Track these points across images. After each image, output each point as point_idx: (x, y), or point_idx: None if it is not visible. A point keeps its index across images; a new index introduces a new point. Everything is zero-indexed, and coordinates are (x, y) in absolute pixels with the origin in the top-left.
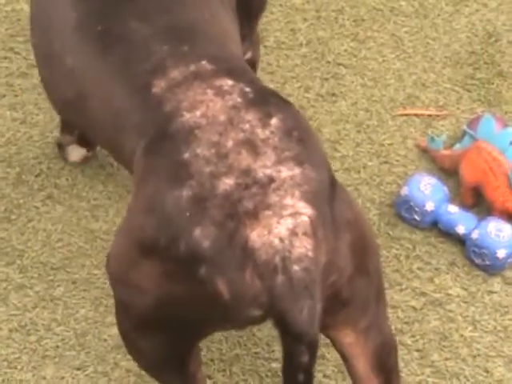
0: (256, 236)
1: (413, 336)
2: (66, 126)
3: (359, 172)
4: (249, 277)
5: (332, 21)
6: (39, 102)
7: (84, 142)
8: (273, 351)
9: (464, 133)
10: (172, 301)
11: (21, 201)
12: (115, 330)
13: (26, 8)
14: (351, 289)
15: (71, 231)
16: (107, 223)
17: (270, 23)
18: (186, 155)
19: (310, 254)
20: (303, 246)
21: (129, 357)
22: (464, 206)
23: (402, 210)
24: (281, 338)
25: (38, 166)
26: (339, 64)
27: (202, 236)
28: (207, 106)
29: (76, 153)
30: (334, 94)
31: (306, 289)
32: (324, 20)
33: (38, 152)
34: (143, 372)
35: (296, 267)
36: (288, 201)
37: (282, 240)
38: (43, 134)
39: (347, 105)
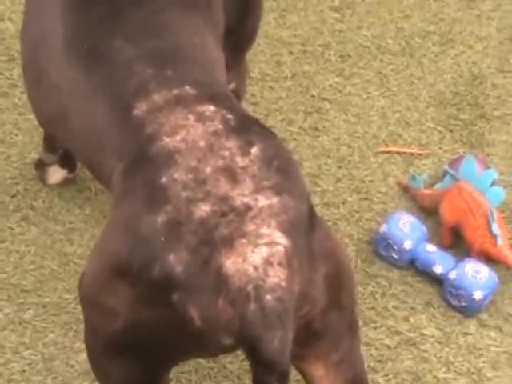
0: (230, 263)
1: (386, 375)
2: (49, 145)
3: (338, 207)
4: (221, 304)
5: (318, 55)
6: (19, 123)
7: (66, 162)
8: None
9: (445, 172)
10: (143, 326)
11: None
12: (83, 356)
13: (11, 27)
14: (324, 321)
15: (44, 254)
16: (82, 247)
17: (256, 54)
18: (164, 179)
19: (284, 283)
20: (277, 276)
21: None
22: (443, 246)
23: (380, 248)
24: (251, 368)
25: (15, 187)
26: (323, 99)
27: (176, 261)
28: (188, 131)
29: (56, 174)
30: (316, 129)
31: (278, 318)
32: (310, 54)
33: (16, 172)
34: None
35: (269, 296)
36: (264, 230)
37: (256, 268)
38: (21, 154)
39: (329, 140)
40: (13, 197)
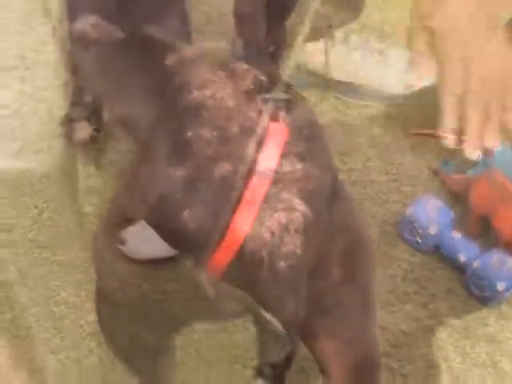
0: (246, 227)
1: (400, 360)
2: (80, 97)
3: (365, 187)
4: (233, 268)
5: (357, 31)
6: (50, 78)
7: (93, 119)
8: (252, 359)
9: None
10: (151, 285)
11: (16, 176)
12: (93, 317)
13: None
14: (337, 296)
15: (62, 212)
16: (100, 209)
17: (295, 26)
18: (189, 134)
19: (299, 251)
20: (293, 243)
21: (103, 347)
22: (469, 235)
23: (405, 231)
24: (258, 337)
25: (39, 143)
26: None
27: (191, 219)
28: (218, 87)
29: (83, 130)
30: (349, 106)
31: (289, 288)
32: (350, 30)
33: (42, 129)
34: (116, 364)
35: (282, 263)
36: (285, 195)
37: (272, 234)
38: (50, 110)
39: (362, 117)
40: (36, 153)
